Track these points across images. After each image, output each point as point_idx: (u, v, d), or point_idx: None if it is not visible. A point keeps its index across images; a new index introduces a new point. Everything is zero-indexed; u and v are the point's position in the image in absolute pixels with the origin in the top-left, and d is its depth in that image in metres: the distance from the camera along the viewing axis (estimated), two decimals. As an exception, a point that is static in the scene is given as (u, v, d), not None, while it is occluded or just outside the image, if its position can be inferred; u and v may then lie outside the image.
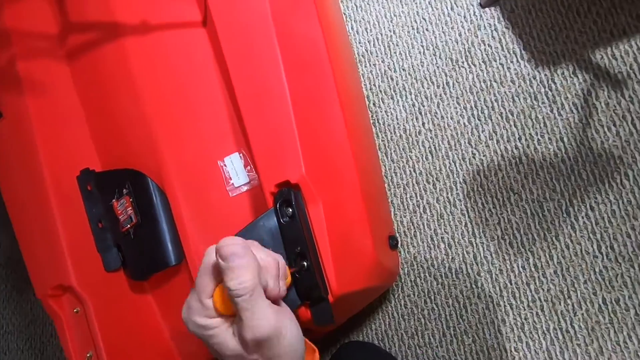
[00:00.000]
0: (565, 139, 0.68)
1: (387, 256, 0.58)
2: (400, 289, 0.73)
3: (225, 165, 0.56)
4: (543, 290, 0.65)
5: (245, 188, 0.57)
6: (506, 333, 0.66)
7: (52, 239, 0.56)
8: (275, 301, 0.31)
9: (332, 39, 0.57)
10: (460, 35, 0.76)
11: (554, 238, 0.66)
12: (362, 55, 0.83)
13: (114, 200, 0.57)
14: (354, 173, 0.52)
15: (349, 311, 0.62)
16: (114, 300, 0.57)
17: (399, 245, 0.72)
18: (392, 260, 0.61)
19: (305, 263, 0.44)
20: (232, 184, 0.57)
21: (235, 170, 0.56)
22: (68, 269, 0.55)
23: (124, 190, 0.56)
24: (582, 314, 0.63)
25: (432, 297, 0.71)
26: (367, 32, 0.83)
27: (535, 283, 0.66)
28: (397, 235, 0.73)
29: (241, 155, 0.57)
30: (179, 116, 0.58)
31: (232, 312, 0.29)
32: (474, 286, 0.69)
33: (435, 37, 0.78)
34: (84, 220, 0.58)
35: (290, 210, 0.45)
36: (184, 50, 0.60)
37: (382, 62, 0.82)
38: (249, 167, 0.57)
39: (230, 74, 0.52)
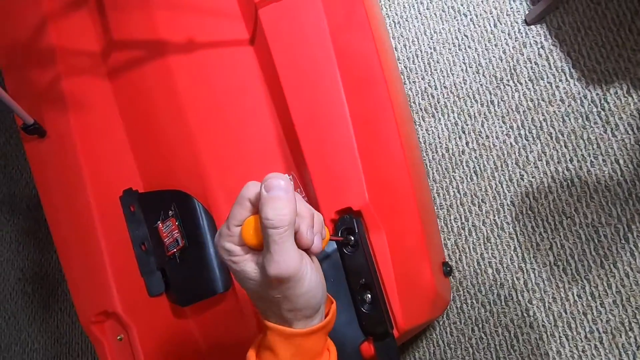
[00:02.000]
0: (621, 161, 0.65)
1: (443, 284, 0.55)
2: (445, 316, 0.70)
3: (274, 188, 0.54)
4: (601, 321, 0.62)
5: (293, 211, 0.55)
6: (562, 366, 0.63)
7: (96, 263, 0.55)
8: (308, 254, 0.31)
9: (384, 56, 0.55)
10: (504, 52, 0.74)
11: (611, 265, 0.63)
12: (401, 72, 0.82)
13: (159, 222, 0.55)
14: (412, 199, 0.49)
15: (401, 342, 0.59)
16: (156, 325, 0.54)
17: (452, 271, 0.69)
18: (446, 289, 0.59)
19: (369, 295, 0.41)
20: (282, 207, 0.54)
21: (285, 192, 0.54)
22: (113, 295, 0.53)
23: (170, 212, 0.55)
24: (646, 348, 0.59)
25: (480, 325, 0.68)
26: (406, 48, 0.82)
27: (592, 313, 0.62)
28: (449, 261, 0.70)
29: (291, 177, 0.55)
30: (225, 136, 0.57)
31: (256, 244, 0.29)
32: (525, 315, 0.66)
33: (478, 55, 0.76)
34: (127, 242, 0.56)
35: (353, 238, 0.43)
36: (230, 69, 0.59)
37: (422, 79, 0.80)
38: (298, 190, 0.55)
39: (284, 93, 0.50)
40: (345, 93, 0.47)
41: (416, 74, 0.80)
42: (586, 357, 0.62)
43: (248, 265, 0.29)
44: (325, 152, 0.47)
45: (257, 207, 0.29)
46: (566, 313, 0.64)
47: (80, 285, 0.56)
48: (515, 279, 0.67)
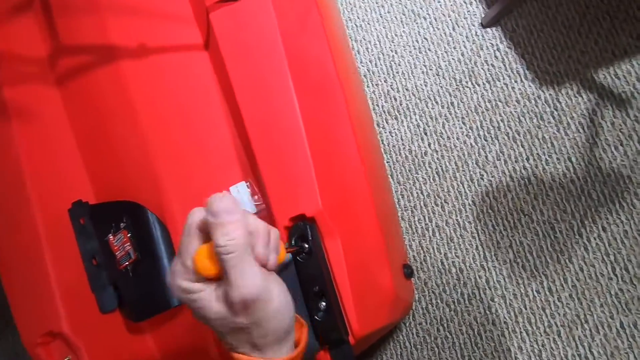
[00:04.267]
0: (574, 159, 0.67)
1: (403, 287, 0.55)
2: (411, 317, 0.70)
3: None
4: (559, 315, 0.64)
5: (252, 218, 0.54)
6: (524, 361, 0.64)
7: (41, 280, 0.52)
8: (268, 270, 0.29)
9: (341, 60, 0.55)
10: (463, 55, 0.76)
11: (567, 260, 0.65)
12: (364, 75, 0.82)
13: (110, 235, 0.52)
14: (370, 203, 0.49)
15: (363, 348, 0.58)
16: (109, 343, 0.52)
17: (414, 273, 0.69)
18: (408, 291, 0.59)
19: (323, 303, 0.41)
20: (239, 214, 0.53)
21: (242, 200, 0.53)
22: (59, 314, 0.50)
23: (121, 224, 0.52)
24: (600, 339, 0.61)
25: (445, 325, 0.69)
26: (368, 51, 0.82)
27: (550, 308, 0.64)
28: (410, 263, 0.71)
29: (248, 184, 0.54)
30: (180, 144, 0.55)
31: (214, 273, 0.27)
32: (488, 312, 0.67)
33: (437, 57, 0.77)
34: (76, 257, 0.53)
35: (307, 246, 0.42)
36: (184, 75, 0.57)
37: (384, 82, 0.80)
38: (256, 197, 0.53)
39: (237, 99, 0.49)
40: (297, 98, 0.46)
41: (378, 76, 0.81)
42: (545, 351, 0.63)
43: (210, 299, 0.27)
44: (278, 159, 0.46)
45: (206, 233, 0.27)
46: (526, 309, 0.65)
47: (23, 304, 0.53)
48: (477, 277, 0.68)
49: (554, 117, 0.70)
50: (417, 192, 0.74)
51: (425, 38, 0.79)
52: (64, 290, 0.52)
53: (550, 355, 0.63)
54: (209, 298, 0.27)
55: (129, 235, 0.51)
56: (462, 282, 0.69)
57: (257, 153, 0.47)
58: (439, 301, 0.70)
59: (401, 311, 0.55)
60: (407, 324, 0.70)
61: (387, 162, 0.77)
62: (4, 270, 0.56)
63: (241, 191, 0.54)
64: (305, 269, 0.41)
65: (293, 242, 0.42)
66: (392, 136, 0.78)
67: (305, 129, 0.46)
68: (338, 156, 0.49)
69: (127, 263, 0.52)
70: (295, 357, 0.30)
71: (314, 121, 0.48)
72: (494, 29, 0.75)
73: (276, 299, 0.27)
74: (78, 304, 0.53)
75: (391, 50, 0.81)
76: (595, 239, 0.64)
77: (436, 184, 0.74)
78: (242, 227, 0.26)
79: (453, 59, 0.76)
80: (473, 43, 0.76)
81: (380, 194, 0.57)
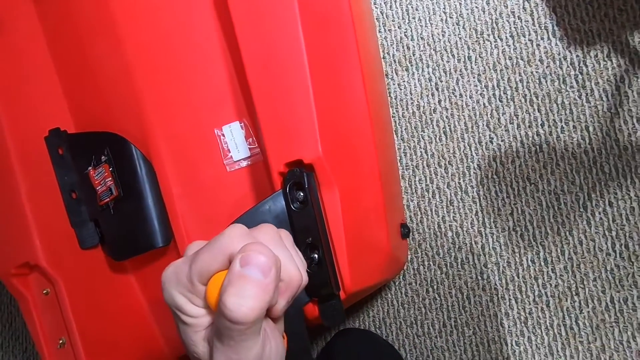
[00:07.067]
0: (591, 128, 0.63)
1: (399, 246, 0.53)
2: (402, 277, 0.69)
3: (223, 135, 0.49)
4: (551, 285, 0.63)
5: (244, 163, 0.50)
6: (509, 327, 0.64)
7: (15, 210, 0.48)
8: (272, 318, 0.24)
9: (354, -6, 0.49)
10: (487, 3, 0.69)
11: (567, 233, 0.63)
12: (376, 19, 0.74)
13: (90, 168, 0.49)
14: (373, 156, 0.45)
15: (351, 303, 0.58)
16: (89, 280, 0.50)
17: (411, 233, 0.68)
18: (402, 251, 0.57)
19: (316, 256, 0.38)
20: (231, 157, 0.49)
21: (235, 141, 0.49)
22: (35, 245, 0.48)
23: (102, 157, 0.48)
24: (588, 312, 0.61)
25: (435, 287, 0.68)
26: (384, -9, 0.74)
27: (543, 278, 0.63)
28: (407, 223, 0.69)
29: (242, 125, 0.49)
30: (170, 73, 0.50)
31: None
32: (479, 278, 0.66)
33: (460, 4, 0.70)
34: (54, 189, 0.50)
35: (302, 194, 0.39)
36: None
37: (398, 27, 0.73)
38: (250, 140, 0.49)
39: (235, 29, 0.43)
40: (303, 31, 0.41)
41: (392, 21, 0.74)
42: (532, 319, 0.63)
43: (199, 330, 0.22)
44: (278, 99, 0.41)
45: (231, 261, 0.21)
46: (518, 277, 0.64)
47: (-3, 234, 0.51)
48: (473, 242, 0.67)
49: (577, 82, 0.64)
50: (420, 151, 0.71)
51: (449, -19, 0.71)
52: (40, 223, 0.49)
53: (536, 323, 0.63)
54: (198, 329, 0.23)
55: (110, 169, 0.48)
56: (457, 246, 0.67)
57: (254, 90, 0.42)
58: (431, 263, 0.68)
59: (394, 270, 0.54)
60: (397, 283, 0.70)
61: (392, 116, 0.72)
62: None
63: (235, 132, 0.50)
64: (299, 219, 0.38)
65: (287, 187, 0.39)
66: (400, 89, 0.73)
67: (310, 69, 0.41)
68: (343, 102, 0.45)
69: (108, 199, 0.48)
70: None
71: (320, 59, 0.42)
72: (526, -25, 0.67)
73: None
74: (56, 238, 0.50)
75: (410, -8, 0.73)
76: (600, 213, 0.62)
77: (442, 144, 0.70)
78: (265, 297, 0.20)
79: (477, 7, 0.69)
80: (501, -10, 0.68)
81: (383, 148, 0.53)
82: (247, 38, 0.42)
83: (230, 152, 0.49)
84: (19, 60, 0.53)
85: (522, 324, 0.64)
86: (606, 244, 0.61)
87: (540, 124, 0.65)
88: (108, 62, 0.52)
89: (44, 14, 0.54)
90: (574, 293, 0.62)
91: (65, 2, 0.53)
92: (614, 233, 0.61)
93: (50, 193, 0.50)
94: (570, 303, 0.62)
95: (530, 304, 0.64)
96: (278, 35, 0.41)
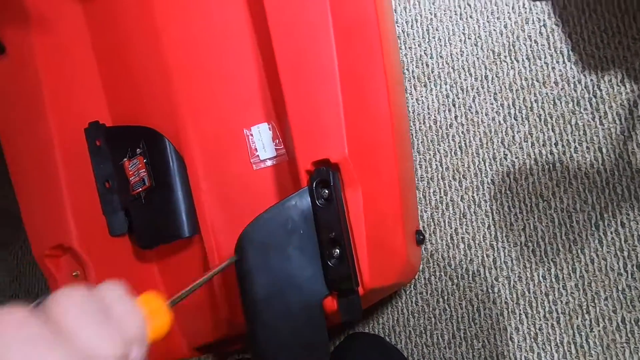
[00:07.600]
0: (604, 150, 0.65)
1: (413, 252, 0.55)
2: (413, 286, 0.70)
3: (251, 135, 0.52)
4: (561, 302, 0.63)
5: (270, 162, 0.53)
6: (518, 342, 0.65)
7: (54, 195, 0.51)
8: None
9: (382, 10, 0.52)
10: (505, 27, 0.72)
11: (579, 251, 0.64)
12: (397, 37, 0.78)
13: (125, 159, 0.52)
14: (393, 161, 0.48)
15: (366, 304, 0.59)
16: (116, 266, 0.52)
17: (425, 241, 0.69)
18: (416, 257, 0.58)
19: (338, 250, 0.40)
20: (258, 156, 0.52)
21: (263, 141, 0.52)
22: (70, 229, 0.50)
23: (138, 149, 0.51)
24: (599, 331, 0.61)
25: (446, 297, 0.69)
26: (405, 11, 0.78)
27: (554, 294, 0.64)
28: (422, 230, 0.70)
29: (270, 126, 0.52)
30: (205, 74, 0.53)
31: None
32: (490, 291, 0.67)
33: (478, 26, 0.73)
34: (90, 178, 0.53)
35: (327, 192, 0.41)
36: (215, 5, 0.54)
37: (418, 45, 0.77)
38: (277, 141, 0.52)
39: (271, 36, 0.46)
40: (335, 40, 0.44)
41: (413, 39, 0.77)
42: (542, 335, 0.64)
43: None
44: (308, 101, 0.44)
45: None
46: (529, 292, 0.65)
47: (35, 216, 0.53)
48: (485, 255, 0.68)
49: (591, 104, 0.67)
50: (436, 164, 0.73)
51: (468, 4, 0.74)
52: (75, 209, 0.52)
53: (546, 340, 0.63)
54: None
55: (144, 161, 0.50)
56: (468, 258, 0.68)
57: (286, 92, 0.45)
58: (442, 274, 0.69)
59: (408, 275, 0.55)
60: (408, 292, 0.70)
61: (410, 129, 0.75)
62: (17, 183, 0.56)
63: (263, 132, 0.52)
64: (323, 215, 0.40)
65: (314, 184, 0.41)
66: (418, 104, 0.75)
67: (340, 74, 0.44)
68: (368, 109, 0.47)
69: (140, 189, 0.51)
70: None
71: (349, 67, 0.45)
72: (543, 2, 0.71)
73: None
74: (89, 224, 0.52)
75: (430, 13, 0.77)
76: (612, 233, 0.63)
77: (457, 158, 0.72)
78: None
79: (495, 29, 0.72)
80: (519, 15, 0.71)
81: (403, 155, 0.56)
82: (281, 43, 0.46)
83: (257, 151, 0.52)
84: (65, 57, 0.57)
85: (532, 340, 0.64)
86: (618, 263, 0.62)
87: (554, 143, 0.67)
88: (147, 62, 0.55)
89: (90, 14, 0.59)
90: (584, 311, 0.62)
91: (110, 4, 0.57)
92: (625, 253, 0.62)
93: (86, 181, 0.53)
94: (581, 321, 0.62)
95: (540, 319, 0.64)
96: (311, 41, 0.44)
